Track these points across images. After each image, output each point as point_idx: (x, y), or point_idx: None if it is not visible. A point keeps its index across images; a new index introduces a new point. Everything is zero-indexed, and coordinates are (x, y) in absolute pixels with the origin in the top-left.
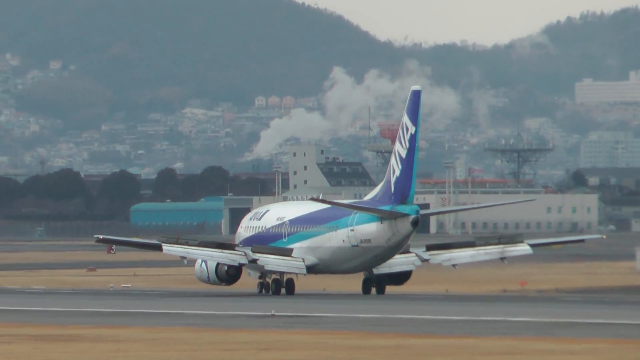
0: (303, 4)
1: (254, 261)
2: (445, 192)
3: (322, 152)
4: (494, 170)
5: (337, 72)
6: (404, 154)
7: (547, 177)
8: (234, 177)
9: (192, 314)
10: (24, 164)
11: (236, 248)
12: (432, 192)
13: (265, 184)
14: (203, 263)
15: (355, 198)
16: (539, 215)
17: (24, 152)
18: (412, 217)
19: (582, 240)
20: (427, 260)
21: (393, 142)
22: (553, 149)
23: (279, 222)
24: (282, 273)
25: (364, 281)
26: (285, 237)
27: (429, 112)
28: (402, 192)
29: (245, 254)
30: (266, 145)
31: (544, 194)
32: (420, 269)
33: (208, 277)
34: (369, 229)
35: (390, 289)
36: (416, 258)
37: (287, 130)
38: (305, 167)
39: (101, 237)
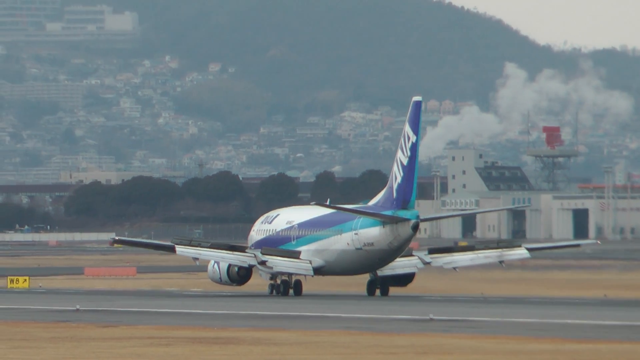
0: (462, 7)
1: (263, 263)
2: (604, 197)
3: (480, 156)
4: None
5: (510, 68)
6: (405, 161)
7: None
8: None
9: (351, 318)
10: (182, 166)
11: (246, 250)
12: (591, 197)
13: (424, 188)
14: (215, 264)
15: (515, 203)
16: None
17: (183, 154)
18: (413, 221)
19: (578, 245)
20: (429, 263)
21: (551, 147)
22: None
23: (288, 225)
24: (290, 274)
25: (369, 283)
26: (294, 240)
27: (601, 114)
28: (403, 197)
29: (255, 256)
30: (432, 143)
31: None
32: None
33: (220, 277)
34: (372, 232)
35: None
36: (418, 261)
37: (456, 129)
38: (464, 172)
39: (117, 238)
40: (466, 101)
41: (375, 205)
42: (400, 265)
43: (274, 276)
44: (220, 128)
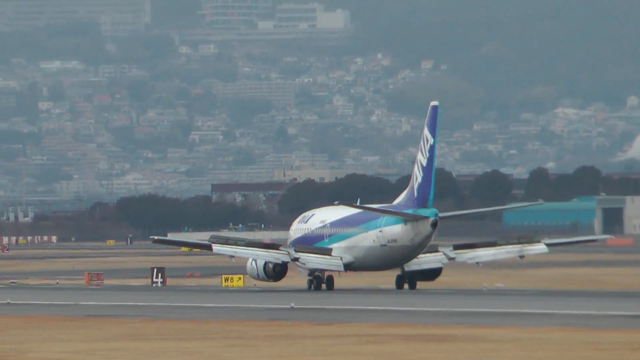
0: None
1: (295, 259)
2: None
3: None
4: None
5: None
6: (424, 162)
7: None
8: (606, 177)
9: (565, 314)
10: (395, 163)
11: (280, 248)
12: None
13: (638, 184)
14: (254, 262)
15: None
16: None
17: (395, 151)
18: (432, 219)
19: (594, 240)
20: (453, 259)
21: None
22: None
23: (322, 224)
24: (322, 270)
25: (397, 277)
26: (326, 237)
27: None
28: (423, 197)
29: (289, 253)
30: None
31: None
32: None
33: (257, 274)
34: (395, 230)
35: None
36: (443, 256)
37: None
38: None
39: (156, 238)
40: None
41: (398, 204)
42: (426, 260)
43: (312, 272)
44: None
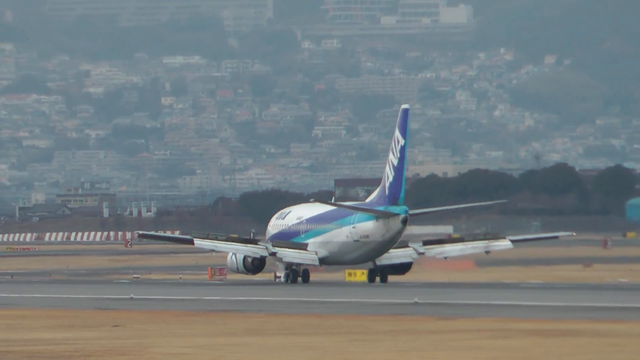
0: None
1: (273, 254)
2: None
3: None
4: None
5: None
6: (395, 162)
7: None
8: None
9: None
10: (518, 158)
11: (259, 242)
12: None
13: None
14: (233, 256)
15: None
16: None
17: (519, 147)
18: (402, 216)
19: (556, 237)
20: (422, 254)
21: None
22: None
23: (298, 221)
24: (298, 264)
25: (370, 271)
26: (302, 233)
27: None
28: (394, 195)
29: (266, 248)
30: None
31: None
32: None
33: (237, 267)
34: (367, 226)
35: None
36: (413, 251)
37: None
38: None
39: (141, 232)
40: None
41: (370, 202)
42: (397, 255)
43: (288, 266)
44: (556, 120)
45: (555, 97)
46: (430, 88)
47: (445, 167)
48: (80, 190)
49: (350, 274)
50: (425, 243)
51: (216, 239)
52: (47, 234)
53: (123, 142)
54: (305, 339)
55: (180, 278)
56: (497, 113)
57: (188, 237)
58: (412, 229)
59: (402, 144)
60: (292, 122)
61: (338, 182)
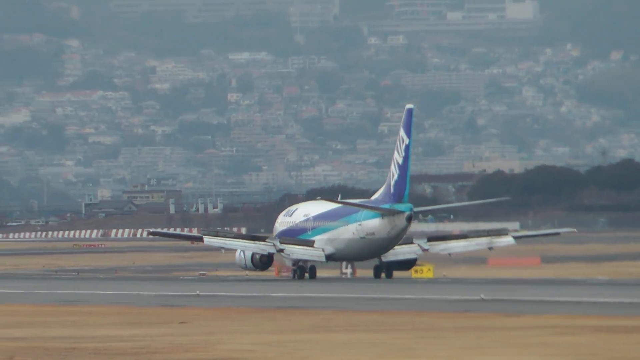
0: None
1: (281, 250)
2: None
3: None
4: None
5: None
6: (400, 161)
7: None
8: None
9: None
10: (585, 154)
11: (267, 239)
12: None
13: None
14: (242, 252)
15: None
16: None
17: (585, 142)
18: (407, 213)
19: (557, 234)
20: (427, 250)
21: None
22: None
23: (305, 218)
24: (305, 260)
25: (375, 267)
26: (309, 230)
27: None
28: (399, 193)
29: (274, 245)
30: None
31: None
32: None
33: (245, 264)
34: (373, 223)
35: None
36: (418, 248)
37: None
38: None
39: (151, 230)
40: None
41: (376, 200)
42: (402, 251)
43: (296, 262)
44: (622, 116)
45: (621, 93)
46: (496, 84)
47: (512, 163)
48: (146, 186)
49: (416, 271)
50: (430, 239)
51: (225, 236)
52: (113, 231)
53: (189, 139)
54: (370, 336)
55: (247, 274)
56: (563, 109)
57: (198, 234)
58: (478, 225)
59: (407, 143)
60: (359, 119)
61: None
